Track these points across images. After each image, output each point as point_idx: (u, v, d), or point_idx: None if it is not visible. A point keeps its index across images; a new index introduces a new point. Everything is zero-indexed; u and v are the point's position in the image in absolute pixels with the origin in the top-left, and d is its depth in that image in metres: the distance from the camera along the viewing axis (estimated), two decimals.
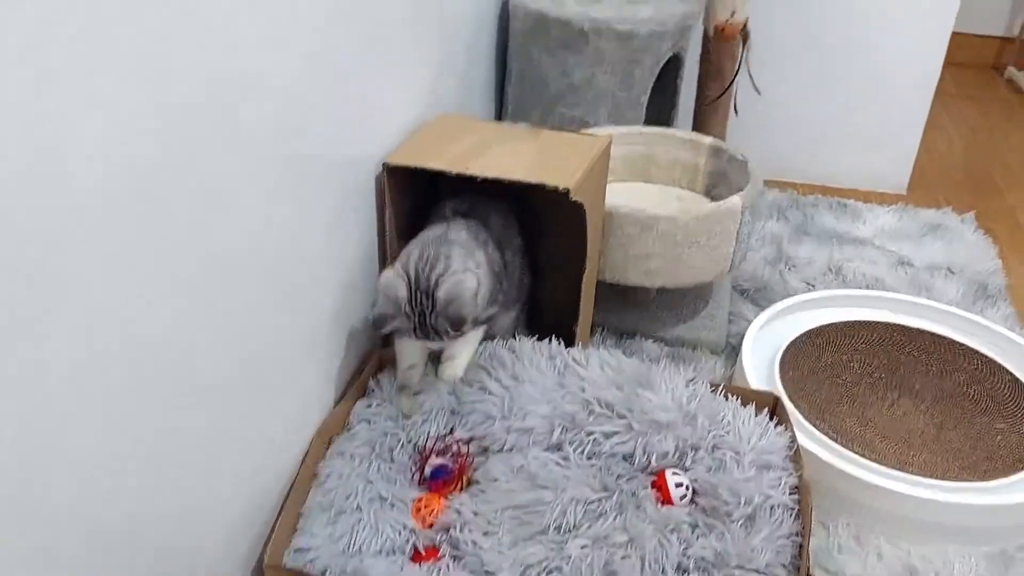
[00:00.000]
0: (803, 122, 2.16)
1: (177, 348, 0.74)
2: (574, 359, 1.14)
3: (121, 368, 0.67)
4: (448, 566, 0.94)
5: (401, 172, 1.16)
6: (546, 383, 1.10)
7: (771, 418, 1.11)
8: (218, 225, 0.78)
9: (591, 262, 1.25)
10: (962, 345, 1.48)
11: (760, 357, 1.43)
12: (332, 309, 1.08)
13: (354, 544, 0.95)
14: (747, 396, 1.13)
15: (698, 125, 1.78)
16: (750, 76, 1.73)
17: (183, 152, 0.71)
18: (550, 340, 1.17)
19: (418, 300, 1.01)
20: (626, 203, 1.37)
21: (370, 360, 1.17)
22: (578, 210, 1.14)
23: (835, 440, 1.23)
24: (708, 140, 1.63)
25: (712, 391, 1.12)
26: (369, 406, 1.11)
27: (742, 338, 1.52)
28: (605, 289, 1.51)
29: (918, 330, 1.51)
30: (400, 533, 0.98)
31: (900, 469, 1.20)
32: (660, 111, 1.82)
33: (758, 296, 1.69)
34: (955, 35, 2.04)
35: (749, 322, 1.56)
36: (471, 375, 1.12)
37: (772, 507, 0.99)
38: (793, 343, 1.46)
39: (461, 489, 1.04)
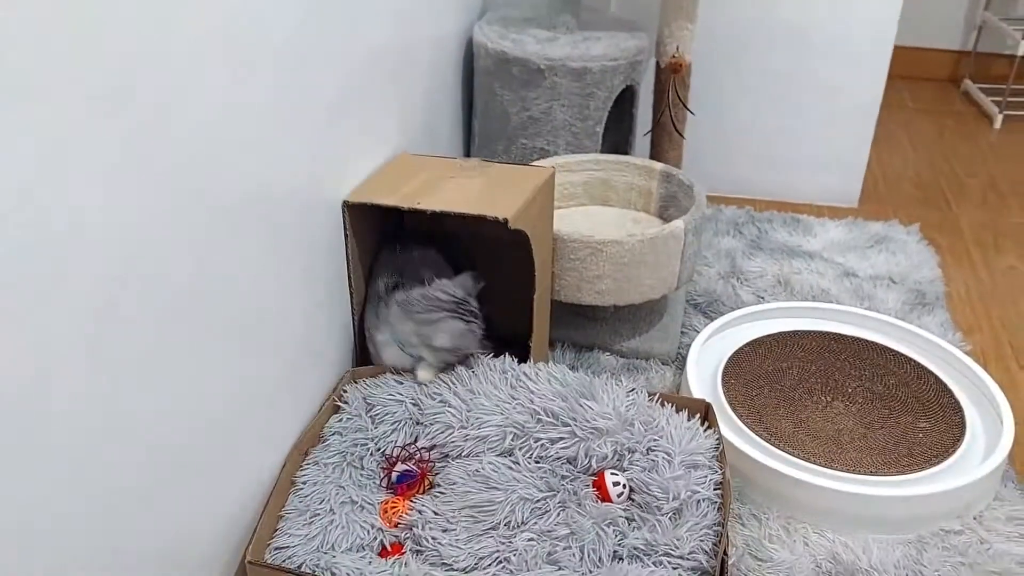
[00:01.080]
0: (758, 142, 2.29)
1: (167, 390, 0.87)
2: (525, 374, 1.27)
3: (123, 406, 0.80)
4: (411, 560, 1.07)
5: (363, 208, 1.29)
6: (500, 395, 1.23)
7: (702, 423, 1.24)
8: (191, 267, 0.91)
9: (540, 284, 1.38)
10: (894, 351, 1.61)
11: (705, 366, 1.56)
12: (306, 333, 1.21)
13: (327, 542, 1.08)
14: (681, 403, 1.26)
15: (655, 151, 1.91)
16: (680, 100, 1.85)
17: (158, 203, 0.84)
18: (504, 357, 1.30)
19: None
20: (577, 229, 1.51)
21: (343, 377, 1.30)
22: (523, 237, 1.27)
23: (769, 441, 1.36)
24: (659, 166, 1.76)
25: (649, 399, 1.25)
26: (340, 419, 1.24)
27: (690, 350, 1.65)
28: (565, 307, 1.65)
29: (854, 338, 1.64)
30: (369, 532, 1.10)
31: (826, 466, 1.32)
32: (618, 140, 1.95)
33: (710, 309, 1.82)
34: (912, 49, 2.17)
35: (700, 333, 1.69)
36: (433, 389, 1.25)
37: (698, 501, 1.12)
38: (737, 352, 1.59)
39: (424, 492, 1.17)
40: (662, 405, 1.26)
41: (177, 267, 0.88)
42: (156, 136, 0.81)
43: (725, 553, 1.03)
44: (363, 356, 1.40)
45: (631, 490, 1.16)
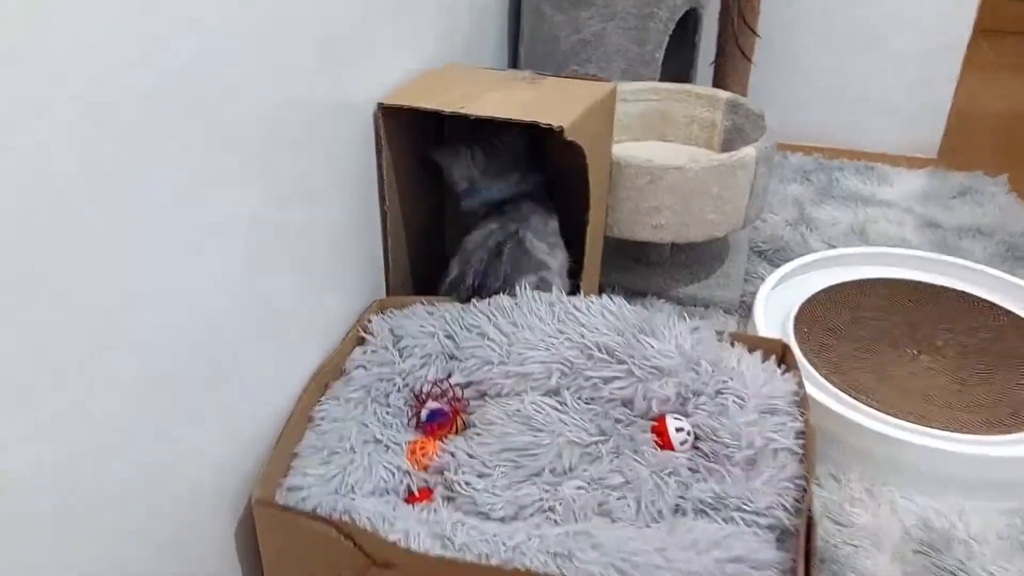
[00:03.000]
0: (830, 86, 2.11)
1: (178, 295, 0.74)
2: (575, 306, 1.11)
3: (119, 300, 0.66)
4: (441, 507, 0.93)
5: (401, 116, 1.15)
6: (545, 329, 1.08)
7: (779, 366, 1.08)
8: (200, 166, 0.77)
9: (595, 210, 1.22)
10: (987, 302, 1.43)
11: (774, 315, 1.39)
12: (328, 254, 1.07)
13: (346, 484, 0.94)
14: (754, 343, 1.10)
15: (718, 82, 1.74)
16: (747, 24, 1.67)
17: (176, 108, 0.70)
18: (552, 289, 1.15)
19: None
20: (635, 154, 1.34)
21: (369, 308, 1.16)
22: (578, 154, 1.11)
23: (850, 394, 1.20)
24: (725, 95, 1.59)
25: (718, 337, 1.09)
26: (365, 352, 1.10)
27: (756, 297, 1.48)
28: (617, 250, 1.49)
29: (941, 287, 1.46)
30: (394, 475, 0.96)
31: (917, 423, 1.16)
32: (678, 70, 1.78)
33: (776, 257, 1.65)
34: (994, 1, 1.98)
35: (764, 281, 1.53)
36: (470, 320, 1.11)
37: (775, 451, 0.96)
38: (809, 301, 1.42)
39: (457, 432, 1.03)
40: (732, 344, 1.10)
41: (182, 165, 0.74)
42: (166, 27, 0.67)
43: (810, 511, 0.87)
44: (393, 285, 1.26)
45: (696, 438, 1.00)
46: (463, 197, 1.29)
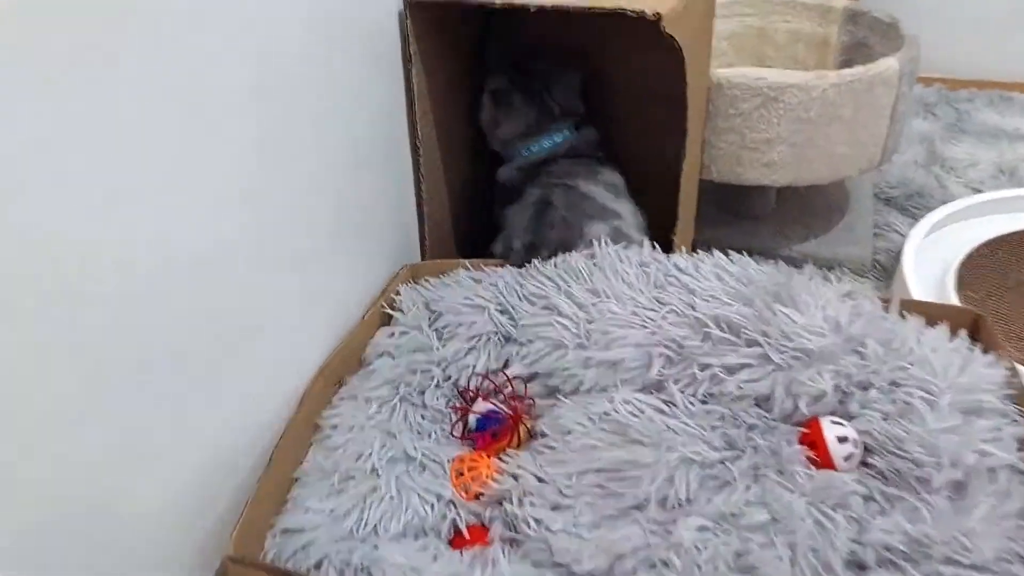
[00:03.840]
0: (949, 5, 1.74)
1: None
2: (677, 266, 0.81)
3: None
4: (502, 554, 0.64)
5: (434, 23, 0.85)
6: (639, 299, 0.78)
7: (972, 343, 0.76)
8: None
9: (692, 143, 0.91)
10: None
11: (926, 275, 1.07)
12: (343, 203, 0.79)
13: (366, 523, 0.66)
14: (934, 314, 0.78)
15: None
16: None
17: None
18: (643, 244, 0.85)
19: None
20: (739, 72, 1.03)
21: (397, 275, 0.87)
22: (674, 58, 0.80)
23: None
24: (841, 2, 1.26)
25: (884, 307, 0.78)
26: (392, 334, 0.81)
27: (895, 254, 1.16)
28: (709, 198, 1.17)
29: None
30: (433, 507, 0.68)
31: None
32: None
33: (909, 204, 1.32)
34: None
35: (900, 235, 1.21)
36: (532, 288, 0.81)
37: (991, 470, 0.65)
38: (969, 257, 1.09)
39: (519, 445, 0.74)
40: (903, 315, 0.78)
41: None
42: None
43: None
44: (430, 245, 0.97)
45: (866, 450, 0.70)
46: (507, 159, 1.01)
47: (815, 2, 1.28)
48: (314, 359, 0.76)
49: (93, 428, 0.51)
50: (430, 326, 0.82)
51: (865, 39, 1.23)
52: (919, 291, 1.02)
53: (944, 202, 1.28)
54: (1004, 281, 1.06)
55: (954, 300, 1.00)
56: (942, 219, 1.15)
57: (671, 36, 0.77)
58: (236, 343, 0.65)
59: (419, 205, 0.94)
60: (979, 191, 1.34)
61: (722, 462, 0.68)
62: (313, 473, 0.70)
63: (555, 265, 0.83)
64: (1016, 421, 0.68)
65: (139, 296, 0.54)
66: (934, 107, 1.62)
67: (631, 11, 0.76)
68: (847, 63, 1.27)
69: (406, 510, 0.67)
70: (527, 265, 0.86)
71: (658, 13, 0.75)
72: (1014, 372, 0.72)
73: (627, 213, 0.94)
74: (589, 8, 0.78)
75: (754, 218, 1.26)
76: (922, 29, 1.72)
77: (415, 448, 0.71)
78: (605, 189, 0.94)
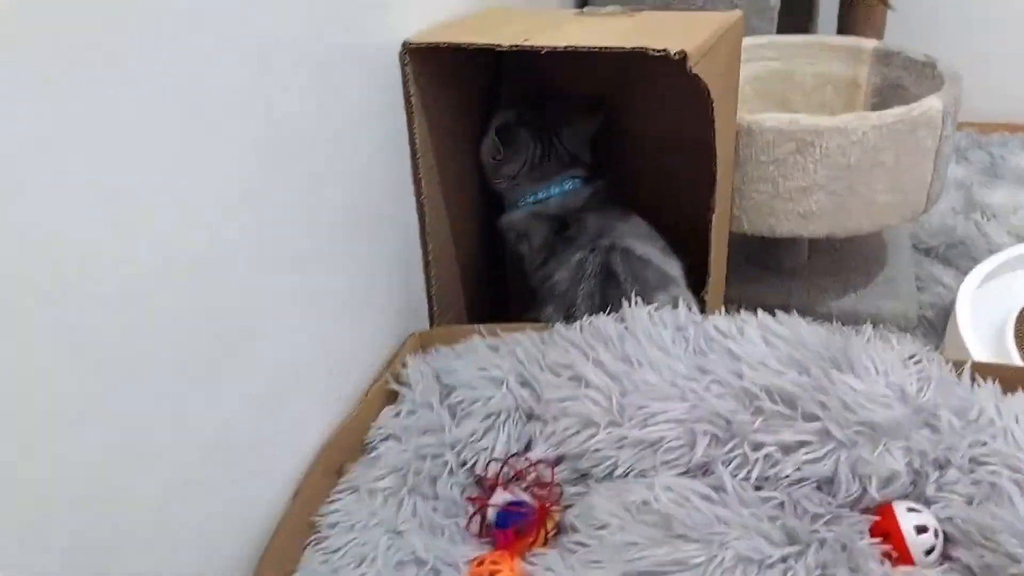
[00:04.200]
0: (977, 50, 1.68)
1: None
2: (718, 329, 0.72)
3: None
4: None
5: (434, 66, 0.79)
6: (678, 368, 0.69)
7: None
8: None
9: (721, 192, 0.83)
10: None
11: (979, 332, 0.97)
12: (342, 265, 0.71)
13: None
14: (1012, 377, 0.69)
15: (846, 31, 1.35)
16: None
17: None
18: (678, 304, 0.76)
19: None
20: (771, 116, 0.96)
21: (404, 345, 0.78)
22: (699, 101, 0.73)
23: None
24: (871, 44, 1.20)
25: (955, 370, 0.69)
26: (398, 414, 0.72)
27: (941, 308, 1.08)
28: (737, 252, 1.09)
29: None
30: None
31: None
32: (796, 22, 1.39)
33: (951, 254, 1.23)
34: None
35: (945, 287, 1.12)
36: (556, 356, 0.72)
37: None
38: None
39: (546, 542, 0.64)
40: (977, 381, 0.69)
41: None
42: None
43: None
44: (439, 311, 0.88)
45: (948, 540, 0.60)
46: (510, 203, 0.94)
47: (843, 43, 1.22)
48: (311, 444, 0.67)
49: (93, 428, 0.45)
50: (442, 403, 0.73)
51: (899, 80, 1.16)
52: (977, 349, 0.92)
53: (988, 251, 1.20)
54: None
55: (1016, 359, 0.91)
56: (994, 269, 1.06)
57: (697, 76, 0.70)
58: (219, 421, 0.56)
59: (426, 266, 0.87)
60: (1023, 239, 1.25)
61: (784, 559, 0.58)
62: None
63: (581, 330, 0.75)
64: None
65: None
66: (967, 152, 1.55)
67: (653, 50, 0.69)
68: (879, 106, 1.20)
69: None
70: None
71: (683, 51, 0.67)
72: None
73: (679, 275, 0.86)
74: (606, 48, 0.71)
75: (786, 272, 1.17)
76: (951, 67, 1.66)
77: (426, 550, 0.62)
78: (659, 250, 0.87)
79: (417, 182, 0.82)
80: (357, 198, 0.73)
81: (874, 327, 1.06)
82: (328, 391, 0.71)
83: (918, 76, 1.12)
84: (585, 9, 0.94)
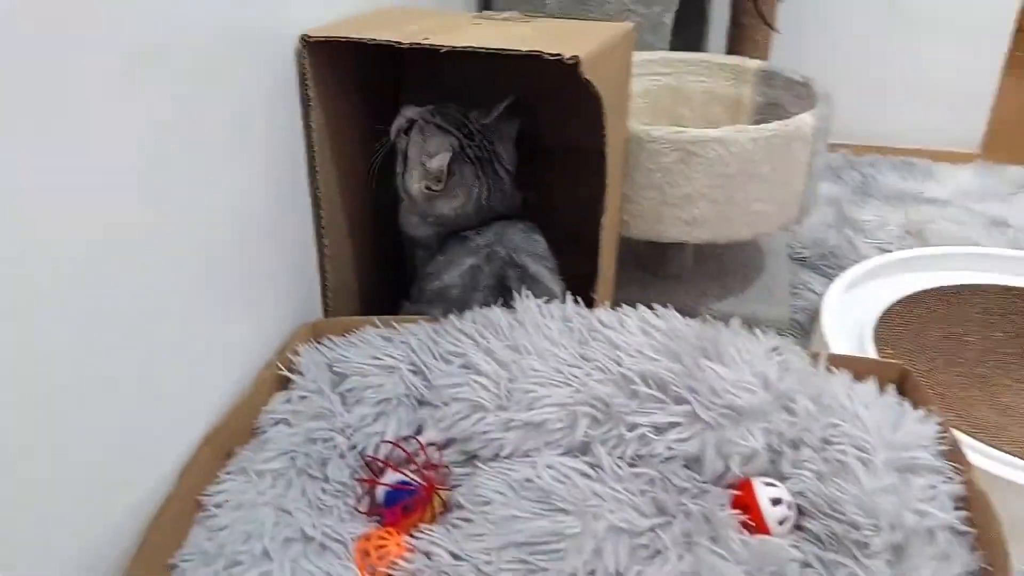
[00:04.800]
0: (855, 74, 1.81)
1: None
2: (601, 321, 0.77)
3: None
4: None
5: (331, 61, 0.81)
6: (563, 355, 0.73)
7: (901, 399, 0.74)
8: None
9: (611, 197, 0.88)
10: None
11: (842, 334, 1.06)
12: (241, 269, 0.72)
13: None
14: (862, 367, 0.76)
15: (734, 51, 1.44)
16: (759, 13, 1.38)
17: None
18: (565, 298, 0.80)
19: None
20: (658, 126, 1.01)
21: (296, 334, 0.80)
22: (591, 100, 0.77)
23: (973, 436, 0.86)
24: (755, 64, 1.28)
25: (812, 362, 0.75)
26: (288, 400, 0.73)
27: (811, 314, 1.16)
28: (627, 258, 1.15)
29: None
30: None
31: None
32: (687, 39, 1.47)
33: (823, 264, 1.33)
34: None
35: (816, 294, 1.21)
36: (448, 346, 0.75)
37: (930, 531, 0.61)
38: (886, 314, 1.09)
39: (433, 519, 0.66)
40: (831, 370, 0.75)
41: None
42: None
43: None
44: (333, 303, 0.90)
45: (800, 512, 0.66)
46: (421, 213, 0.91)
47: (729, 62, 1.30)
48: (198, 428, 0.68)
49: None
50: (333, 390, 0.74)
51: (778, 99, 1.25)
52: (839, 349, 1.00)
53: (855, 261, 1.29)
54: (921, 339, 1.06)
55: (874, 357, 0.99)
56: (857, 277, 1.15)
57: (589, 81, 0.74)
58: (111, 406, 0.57)
59: (320, 259, 0.88)
60: (888, 251, 1.36)
61: (652, 530, 0.62)
62: (193, 559, 0.61)
63: (473, 321, 0.78)
64: (950, 478, 0.66)
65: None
66: (840, 171, 1.66)
67: (548, 54, 0.73)
68: (761, 123, 1.28)
69: None
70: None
71: (576, 56, 0.72)
72: (945, 427, 0.69)
73: (561, 294, 0.88)
74: (504, 50, 0.75)
75: (671, 277, 1.24)
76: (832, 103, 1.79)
77: (315, 527, 0.63)
78: (547, 270, 0.88)
79: (312, 175, 0.83)
80: (250, 189, 0.74)
81: (750, 329, 1.13)
82: (219, 378, 0.71)
83: (796, 96, 1.21)
84: (484, 13, 0.97)
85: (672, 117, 1.33)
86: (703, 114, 1.32)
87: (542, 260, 0.90)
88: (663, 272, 1.25)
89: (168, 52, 0.60)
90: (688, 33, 1.47)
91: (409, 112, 0.89)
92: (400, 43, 0.76)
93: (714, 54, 1.33)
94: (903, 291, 1.14)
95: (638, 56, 1.29)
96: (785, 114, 1.21)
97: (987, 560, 0.60)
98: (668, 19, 1.31)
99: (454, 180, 0.87)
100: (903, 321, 1.08)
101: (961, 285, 1.15)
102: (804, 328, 1.17)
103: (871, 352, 1.01)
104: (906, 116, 1.84)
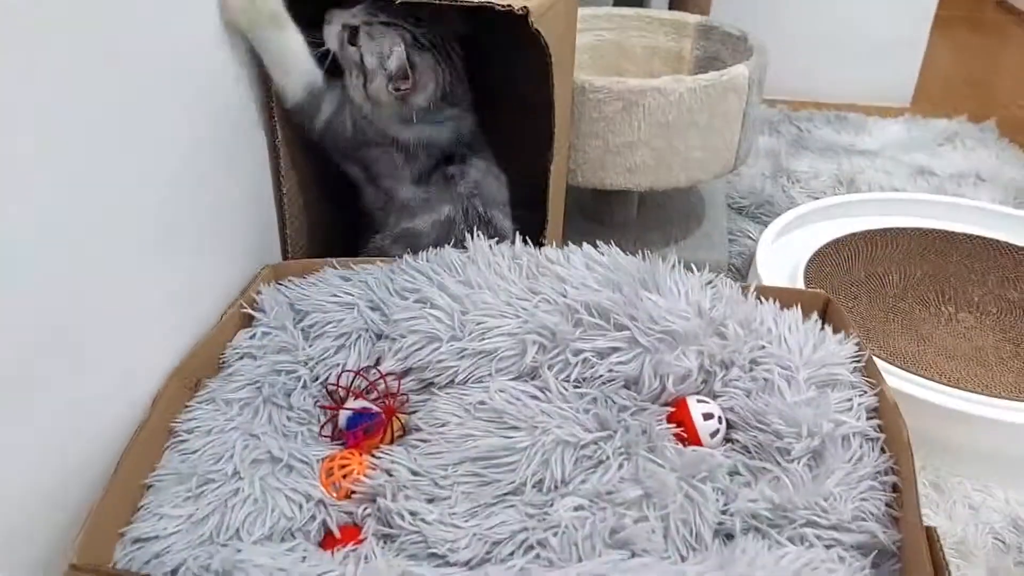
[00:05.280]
0: (792, 32, 1.88)
1: None
2: (548, 258, 0.82)
3: None
4: (375, 551, 0.61)
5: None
6: (512, 289, 0.78)
7: (823, 324, 0.81)
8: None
9: (559, 146, 0.92)
10: (1021, 248, 1.19)
11: (777, 275, 1.12)
12: (201, 211, 0.75)
13: (227, 527, 0.62)
14: (788, 297, 0.82)
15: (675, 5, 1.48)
16: None
17: None
18: (515, 238, 0.85)
19: None
20: (602, 76, 1.06)
21: (258, 276, 0.83)
22: (539, 54, 0.81)
23: (891, 362, 0.94)
24: (694, 19, 1.33)
25: (742, 292, 0.81)
26: (253, 335, 0.77)
27: (748, 259, 1.22)
28: (574, 207, 1.20)
29: (964, 235, 1.22)
30: (302, 507, 0.64)
31: (983, 392, 0.91)
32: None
33: (759, 212, 1.40)
34: None
35: (753, 240, 1.27)
36: (404, 283, 0.79)
37: (846, 437, 0.68)
38: (816, 255, 1.16)
39: (393, 441, 0.71)
40: (760, 299, 0.82)
41: None
42: None
43: (923, 524, 0.59)
44: (293, 246, 0.93)
45: (730, 426, 0.72)
46: (401, 116, 0.87)
47: (669, 18, 1.34)
48: (166, 363, 0.71)
49: None
50: (295, 326, 0.78)
51: (717, 53, 1.30)
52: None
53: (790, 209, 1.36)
54: (847, 277, 1.13)
55: None
56: (789, 223, 1.22)
57: (538, 32, 0.78)
58: (78, 344, 0.60)
59: (279, 206, 0.91)
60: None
61: (595, 442, 0.68)
62: (167, 479, 0.65)
63: (427, 260, 0.82)
64: (865, 392, 0.72)
65: None
66: (778, 125, 1.73)
67: (499, 5, 0.76)
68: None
69: (272, 512, 0.63)
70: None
71: (526, 7, 0.76)
72: (861, 347, 0.76)
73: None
74: (457, 3, 0.78)
75: (617, 226, 1.29)
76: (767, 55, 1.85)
77: (281, 449, 0.68)
78: (510, 221, 0.92)
79: (271, 127, 0.86)
80: (211, 135, 0.76)
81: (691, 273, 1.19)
82: (184, 316, 0.75)
83: (733, 49, 1.26)
84: None
85: (616, 71, 1.38)
86: (646, 68, 1.37)
87: (505, 210, 0.93)
88: (609, 221, 1.30)
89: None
90: None
91: (345, 18, 0.85)
92: None
93: (656, 10, 1.38)
94: (832, 235, 1.21)
95: (583, 11, 1.33)
96: (723, 67, 1.26)
97: (894, 460, 0.67)
98: None
99: (418, 71, 0.85)
100: (831, 262, 1.15)
101: (885, 228, 1.23)
102: (741, 272, 1.24)
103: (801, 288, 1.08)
104: (841, 72, 1.91)
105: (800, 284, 1.09)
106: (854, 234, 1.22)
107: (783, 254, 1.17)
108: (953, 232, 1.23)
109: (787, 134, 1.69)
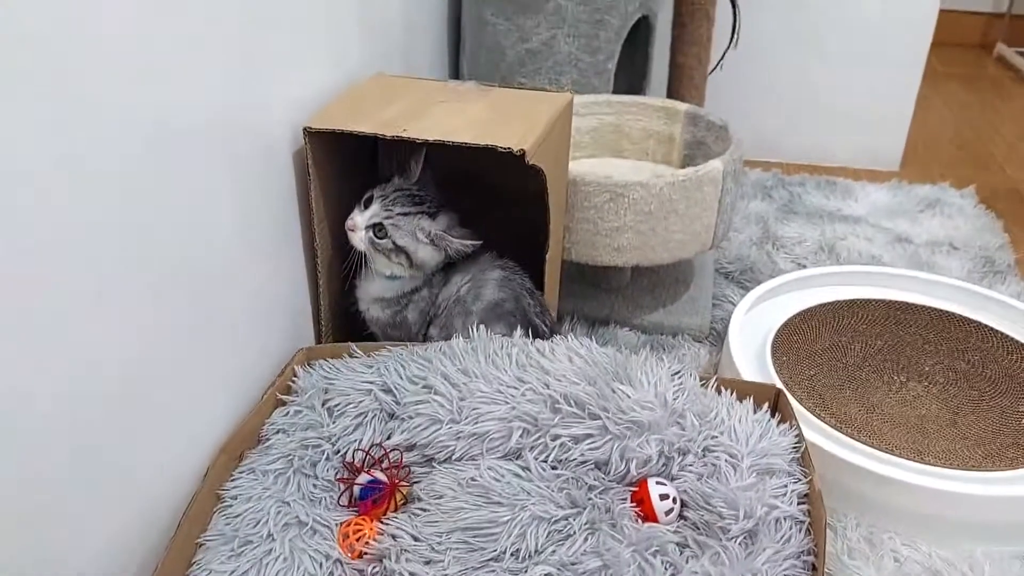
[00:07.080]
0: (788, 99, 2.01)
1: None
2: (537, 350, 0.96)
3: None
4: None
5: (325, 138, 0.98)
6: (504, 378, 0.92)
7: (773, 414, 0.94)
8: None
9: (555, 236, 1.07)
10: (973, 322, 1.32)
11: (749, 342, 1.25)
12: (248, 305, 0.90)
13: None
14: (743, 389, 0.96)
15: (672, 96, 1.62)
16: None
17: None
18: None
19: None
20: (592, 171, 1.20)
21: (294, 358, 0.98)
22: (537, 176, 0.96)
23: (839, 429, 1.07)
24: (684, 107, 1.46)
25: (702, 384, 0.95)
26: (286, 413, 0.92)
27: (728, 323, 1.35)
28: (574, 273, 1.35)
29: (923, 307, 1.34)
30: (322, 565, 0.79)
31: (915, 459, 1.03)
32: (631, 82, 1.65)
33: (744, 278, 1.52)
34: (942, 13, 1.91)
35: (735, 305, 1.39)
36: (414, 370, 0.94)
37: (777, 520, 0.82)
38: (785, 325, 1.29)
39: (397, 509, 0.86)
40: (719, 391, 0.95)
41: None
42: None
43: None
44: (326, 331, 1.08)
45: (683, 505, 0.85)
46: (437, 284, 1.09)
47: (662, 104, 1.48)
48: (217, 437, 0.86)
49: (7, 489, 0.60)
50: (322, 405, 0.93)
51: (703, 138, 1.44)
52: (741, 356, 1.19)
53: (772, 275, 1.49)
54: (813, 346, 1.26)
55: (770, 363, 1.18)
56: (763, 293, 1.34)
57: (534, 166, 0.93)
58: (146, 424, 0.75)
59: (314, 293, 1.06)
60: (803, 266, 1.56)
61: (566, 518, 0.82)
62: (215, 539, 0.79)
63: (438, 349, 0.96)
64: (799, 480, 0.86)
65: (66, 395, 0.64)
66: (771, 190, 1.85)
67: (501, 147, 0.91)
68: (689, 157, 1.48)
69: (298, 568, 0.78)
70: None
71: (522, 150, 0.90)
72: (800, 439, 0.89)
73: None
74: (465, 144, 0.92)
75: (612, 290, 1.42)
76: (765, 118, 1.98)
77: (307, 515, 0.82)
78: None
79: (308, 230, 1.01)
80: (256, 247, 0.91)
81: (674, 336, 1.33)
82: (230, 394, 0.89)
83: (717, 136, 1.40)
84: (449, 83, 1.14)
85: (614, 150, 1.52)
86: (642, 148, 1.51)
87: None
88: (605, 286, 1.44)
89: (176, 133, 0.77)
90: (633, 72, 1.65)
91: (367, 219, 1.01)
92: (384, 135, 0.93)
93: (650, 97, 1.51)
94: (803, 305, 1.33)
95: (585, 98, 1.48)
96: (708, 152, 1.40)
97: (815, 543, 0.80)
98: (611, 65, 1.49)
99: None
100: (799, 331, 1.28)
101: (852, 299, 1.35)
102: (720, 336, 1.36)
103: (768, 359, 1.20)
104: (833, 138, 2.03)
105: (767, 353, 1.21)
106: (823, 304, 1.34)
107: (758, 322, 1.29)
108: (914, 304, 1.35)
109: (779, 199, 1.81)
